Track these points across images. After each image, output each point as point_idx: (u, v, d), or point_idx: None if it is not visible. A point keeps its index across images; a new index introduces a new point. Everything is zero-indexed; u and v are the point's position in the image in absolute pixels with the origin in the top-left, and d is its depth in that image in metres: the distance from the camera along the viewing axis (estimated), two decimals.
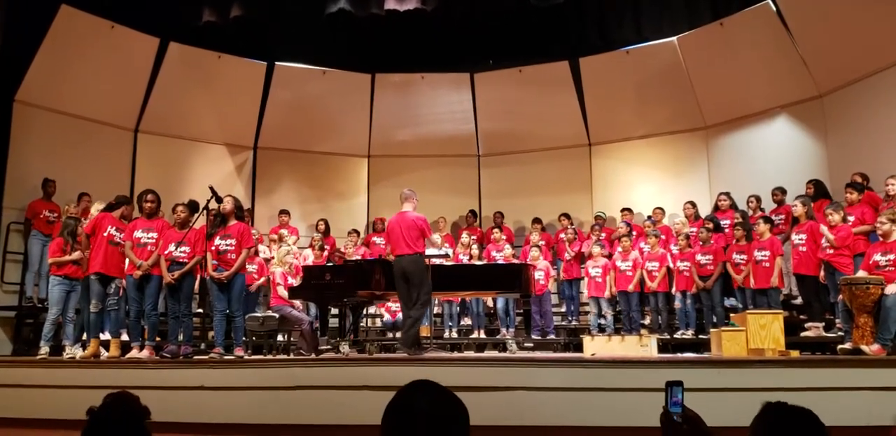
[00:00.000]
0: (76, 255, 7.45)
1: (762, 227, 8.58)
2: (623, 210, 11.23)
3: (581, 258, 10.49)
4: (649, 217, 10.75)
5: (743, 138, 11.06)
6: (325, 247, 10.75)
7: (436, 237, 7.75)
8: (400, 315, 10.13)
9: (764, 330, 7.16)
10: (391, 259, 9.23)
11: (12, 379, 6.36)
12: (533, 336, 10.03)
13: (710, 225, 9.42)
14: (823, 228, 7.50)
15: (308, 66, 12.44)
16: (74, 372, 6.42)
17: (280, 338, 9.12)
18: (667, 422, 2.27)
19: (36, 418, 5.87)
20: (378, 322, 11.17)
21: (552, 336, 9.95)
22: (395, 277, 7.52)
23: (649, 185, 11.96)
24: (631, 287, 9.57)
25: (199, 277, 7.98)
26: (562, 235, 10.91)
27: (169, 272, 7.15)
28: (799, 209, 8.14)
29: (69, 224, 7.63)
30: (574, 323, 10.39)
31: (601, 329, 9.72)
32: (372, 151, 13.30)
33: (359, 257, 10.18)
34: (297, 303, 8.78)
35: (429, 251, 7.77)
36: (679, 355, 8.47)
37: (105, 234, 7.32)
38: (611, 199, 12.08)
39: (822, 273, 7.69)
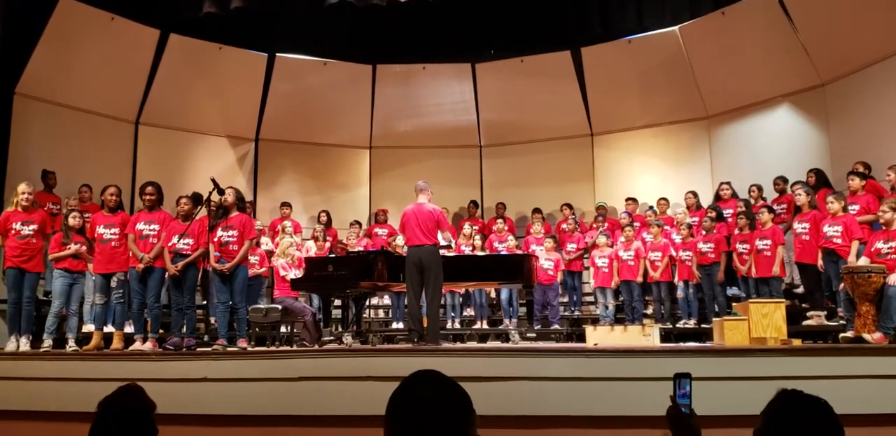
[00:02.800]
0: (73, 248, 7.41)
1: (765, 216, 8.58)
2: (627, 200, 11.21)
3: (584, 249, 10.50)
4: (651, 207, 10.75)
5: (745, 128, 11.03)
6: (328, 238, 10.76)
7: (447, 233, 7.81)
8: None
9: (766, 319, 7.17)
10: (397, 249, 9.27)
11: (16, 372, 6.38)
12: (535, 327, 10.05)
13: (714, 214, 9.41)
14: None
15: (309, 57, 12.41)
16: (78, 365, 6.43)
17: (283, 329, 9.14)
18: (674, 414, 2.28)
19: (39, 411, 5.88)
20: (381, 313, 11.19)
21: (556, 326, 9.96)
22: (406, 266, 7.55)
23: (651, 175, 11.95)
24: (640, 278, 9.58)
25: (202, 269, 7.99)
26: (563, 226, 10.90)
27: (172, 264, 7.17)
28: (802, 198, 8.11)
29: (65, 216, 7.62)
30: (577, 313, 10.41)
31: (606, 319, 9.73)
32: (373, 142, 13.28)
33: (361, 248, 10.19)
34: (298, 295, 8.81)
35: None
36: (681, 344, 8.49)
37: (96, 234, 7.35)
38: (613, 189, 12.07)
39: (820, 262, 7.68)
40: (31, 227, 7.43)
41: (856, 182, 7.96)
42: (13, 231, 7.39)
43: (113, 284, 7.44)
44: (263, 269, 9.47)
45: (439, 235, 7.62)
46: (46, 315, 7.50)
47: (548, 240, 10.30)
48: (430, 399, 1.72)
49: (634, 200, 11.21)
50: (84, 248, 7.47)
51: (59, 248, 7.41)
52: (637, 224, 10.44)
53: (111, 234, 7.33)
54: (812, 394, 2.04)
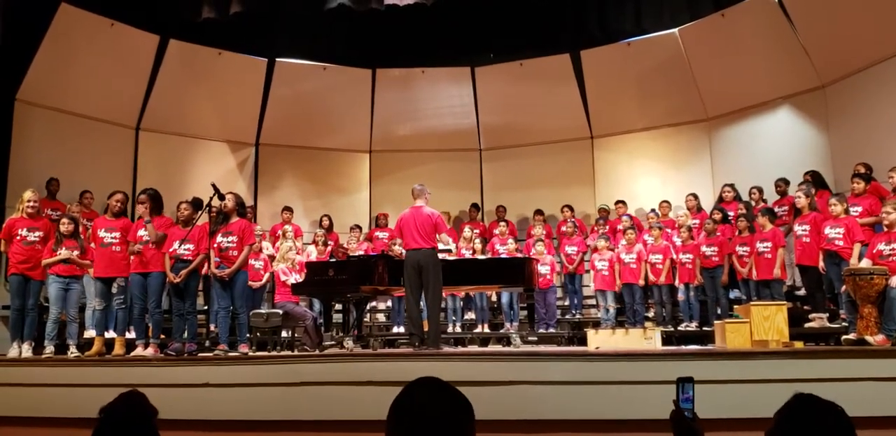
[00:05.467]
0: (64, 253, 7.40)
1: (762, 218, 8.57)
2: (617, 202, 11.21)
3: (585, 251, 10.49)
4: (653, 210, 10.73)
5: (745, 130, 11.02)
6: (328, 242, 10.75)
7: (446, 237, 7.81)
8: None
9: (768, 321, 7.15)
10: (395, 253, 9.27)
11: (18, 378, 6.38)
12: (537, 330, 10.03)
13: (718, 216, 9.40)
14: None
15: (308, 61, 12.41)
16: (79, 371, 6.43)
17: (284, 334, 9.13)
18: (677, 419, 2.28)
19: (41, 417, 5.88)
20: (382, 317, 11.17)
21: (553, 330, 9.94)
22: (405, 269, 7.54)
23: (652, 177, 11.94)
24: (642, 281, 9.57)
25: (203, 274, 7.99)
26: (563, 228, 10.89)
27: (173, 270, 7.16)
28: (802, 201, 8.11)
29: (56, 222, 7.63)
30: (578, 317, 10.40)
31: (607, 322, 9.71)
32: (373, 146, 13.28)
33: (362, 253, 10.18)
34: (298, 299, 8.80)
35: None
36: (683, 347, 8.47)
37: (98, 238, 7.38)
38: (613, 192, 12.03)
39: (821, 264, 7.67)
40: (37, 233, 7.48)
41: (861, 185, 7.95)
42: (19, 237, 7.43)
43: (114, 290, 7.44)
44: (266, 275, 9.46)
45: (438, 239, 7.62)
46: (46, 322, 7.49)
47: (539, 243, 10.28)
48: (431, 405, 1.72)
49: (623, 202, 11.18)
50: (76, 253, 7.45)
51: (50, 254, 7.40)
52: (647, 224, 10.41)
53: (112, 238, 7.35)
54: (829, 400, 2.03)
